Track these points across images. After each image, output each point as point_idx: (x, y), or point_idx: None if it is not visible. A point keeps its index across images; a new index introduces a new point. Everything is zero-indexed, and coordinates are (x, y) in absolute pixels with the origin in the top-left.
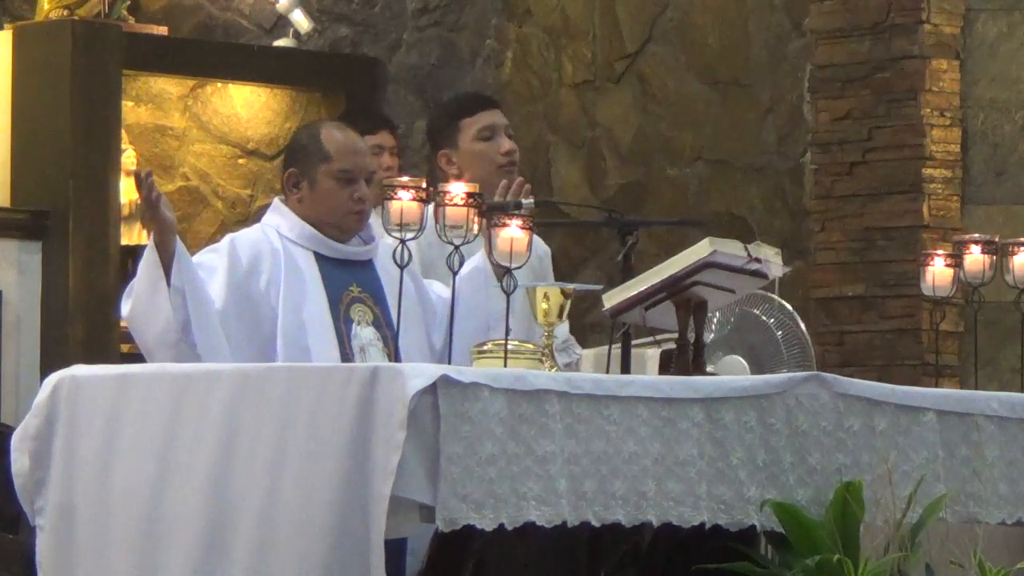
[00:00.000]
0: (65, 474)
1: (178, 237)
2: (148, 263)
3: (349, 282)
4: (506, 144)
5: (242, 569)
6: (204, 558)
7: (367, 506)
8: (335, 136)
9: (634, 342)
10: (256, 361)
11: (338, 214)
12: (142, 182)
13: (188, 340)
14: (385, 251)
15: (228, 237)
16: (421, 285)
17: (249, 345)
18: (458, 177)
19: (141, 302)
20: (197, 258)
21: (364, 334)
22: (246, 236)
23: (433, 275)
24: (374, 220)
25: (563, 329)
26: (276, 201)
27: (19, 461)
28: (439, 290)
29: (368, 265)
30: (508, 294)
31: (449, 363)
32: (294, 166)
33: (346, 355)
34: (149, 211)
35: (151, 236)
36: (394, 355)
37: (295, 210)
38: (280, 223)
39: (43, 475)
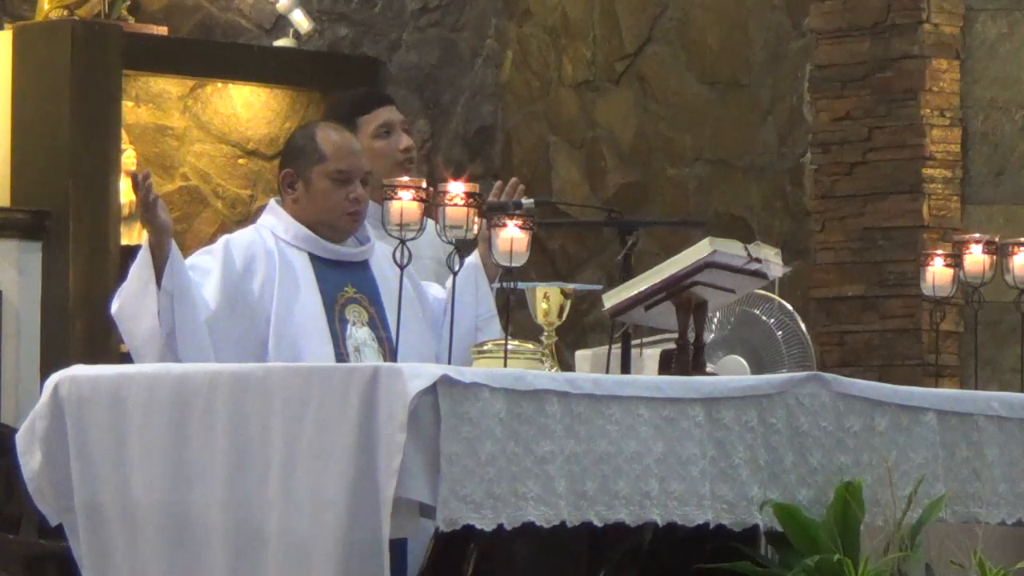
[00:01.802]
0: (85, 474)
1: (173, 241)
2: (141, 264)
3: (344, 283)
4: (404, 140)
5: (273, 569)
6: (234, 563)
7: (371, 507)
8: (331, 137)
9: (644, 340)
10: (249, 363)
11: (333, 215)
12: (140, 184)
13: (171, 346)
14: (381, 251)
15: (223, 239)
16: (419, 286)
17: (242, 347)
18: None
19: (129, 302)
20: (192, 260)
21: (359, 335)
22: (241, 237)
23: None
24: (369, 220)
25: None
26: (272, 202)
27: (29, 464)
28: (436, 292)
29: (364, 266)
30: (508, 294)
31: (449, 363)
32: (290, 167)
33: (340, 356)
34: (146, 213)
35: (146, 238)
36: (390, 356)
37: (290, 211)
38: (275, 224)
39: (61, 476)
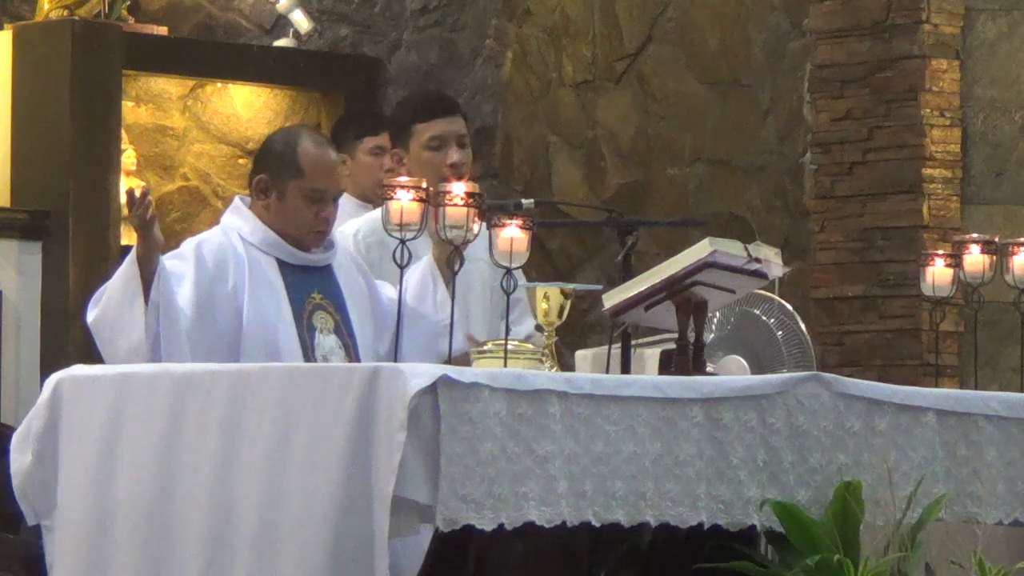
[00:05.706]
0: (69, 474)
1: (160, 254)
2: (127, 277)
3: (311, 289)
4: (454, 156)
5: (245, 570)
6: (208, 560)
7: (369, 506)
8: (310, 152)
9: (644, 340)
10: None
11: (301, 231)
12: (138, 203)
13: (154, 358)
14: (343, 255)
15: (193, 242)
16: (374, 286)
17: (215, 353)
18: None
19: (113, 313)
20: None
21: (327, 343)
22: (211, 241)
23: (377, 276)
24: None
25: (528, 326)
26: (237, 201)
27: (19, 461)
28: (389, 292)
29: (327, 271)
30: (508, 294)
31: None
32: (265, 172)
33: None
34: (142, 230)
35: (134, 250)
36: (355, 363)
37: (259, 215)
38: (241, 226)
39: (49, 476)
